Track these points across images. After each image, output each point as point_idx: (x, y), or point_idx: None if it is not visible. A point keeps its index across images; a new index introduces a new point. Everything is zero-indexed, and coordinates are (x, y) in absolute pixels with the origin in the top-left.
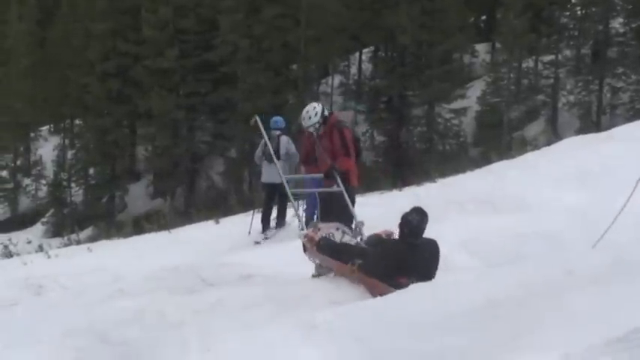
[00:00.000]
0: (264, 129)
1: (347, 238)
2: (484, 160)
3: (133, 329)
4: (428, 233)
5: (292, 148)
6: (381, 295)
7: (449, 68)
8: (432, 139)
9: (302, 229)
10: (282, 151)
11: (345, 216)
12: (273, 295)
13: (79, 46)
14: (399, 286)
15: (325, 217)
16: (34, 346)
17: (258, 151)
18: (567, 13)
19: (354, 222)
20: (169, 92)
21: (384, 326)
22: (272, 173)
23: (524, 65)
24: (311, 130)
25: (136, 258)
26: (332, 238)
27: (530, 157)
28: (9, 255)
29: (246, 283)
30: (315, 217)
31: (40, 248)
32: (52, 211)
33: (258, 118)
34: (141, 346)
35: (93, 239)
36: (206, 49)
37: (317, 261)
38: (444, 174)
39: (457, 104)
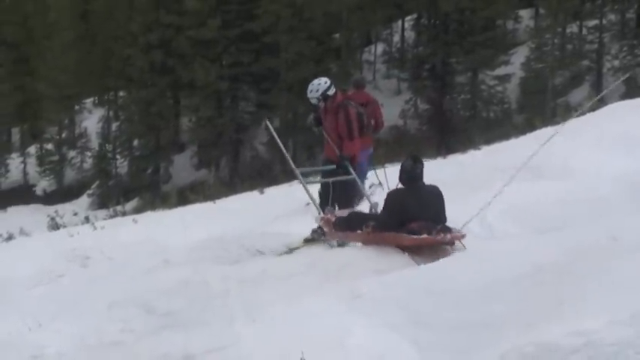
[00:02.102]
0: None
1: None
2: (528, 127)
3: (178, 300)
4: (474, 200)
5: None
6: (400, 246)
7: (492, 35)
8: (476, 107)
9: (319, 214)
10: None
11: (358, 200)
12: (317, 264)
13: (122, 18)
14: (412, 231)
15: (340, 203)
16: (81, 317)
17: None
18: None
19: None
20: (212, 63)
21: (429, 295)
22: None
23: (568, 30)
24: (314, 102)
25: (180, 229)
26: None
27: (575, 123)
28: (55, 227)
29: (290, 252)
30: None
31: (86, 220)
32: (97, 182)
33: (268, 122)
34: (186, 316)
35: (138, 210)
36: (248, 19)
37: (337, 240)
38: (488, 141)
39: (501, 71)
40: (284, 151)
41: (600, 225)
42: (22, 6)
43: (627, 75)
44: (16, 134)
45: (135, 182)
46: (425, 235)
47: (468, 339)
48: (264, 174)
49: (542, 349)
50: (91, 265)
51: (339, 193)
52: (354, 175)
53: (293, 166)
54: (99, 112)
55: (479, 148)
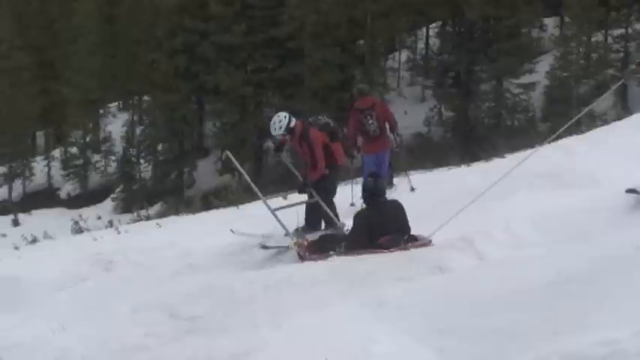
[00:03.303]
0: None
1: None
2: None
3: (203, 304)
4: (500, 208)
5: None
6: None
7: (517, 43)
8: (500, 115)
9: (286, 235)
10: None
11: (327, 220)
12: (342, 271)
13: (147, 22)
14: (381, 246)
15: (313, 223)
16: (105, 320)
17: None
18: None
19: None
20: (237, 68)
21: (454, 303)
22: None
23: (593, 39)
24: (279, 138)
25: (204, 233)
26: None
27: (599, 133)
28: (79, 231)
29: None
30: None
31: (110, 224)
32: (121, 187)
33: (229, 153)
34: (210, 321)
35: (162, 215)
36: (273, 25)
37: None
38: (512, 149)
39: (525, 79)
40: (251, 183)
41: (625, 235)
42: (47, 10)
43: None
44: (40, 138)
45: (158, 187)
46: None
47: (492, 348)
48: (288, 179)
49: (567, 359)
50: (114, 269)
51: (309, 216)
52: (317, 198)
53: (261, 196)
54: (123, 117)
55: (503, 157)
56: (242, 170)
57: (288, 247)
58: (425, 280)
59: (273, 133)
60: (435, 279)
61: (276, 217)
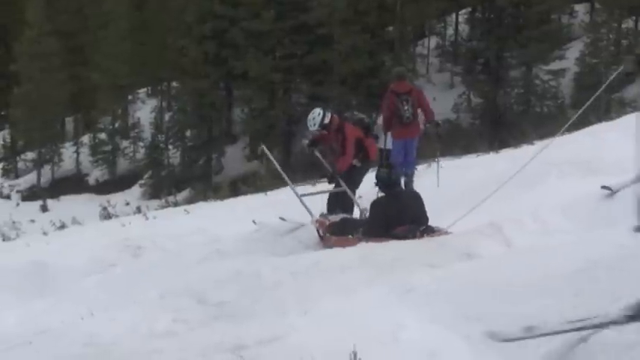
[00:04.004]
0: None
1: None
2: (583, 122)
3: (230, 290)
4: (529, 195)
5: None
6: None
7: (547, 29)
8: (530, 101)
9: (312, 217)
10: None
11: (349, 207)
12: (369, 257)
13: (177, 8)
14: (396, 236)
15: (332, 210)
16: (133, 306)
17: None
18: None
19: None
20: (265, 54)
21: (481, 289)
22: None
23: (623, 26)
24: (316, 133)
25: (232, 220)
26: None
27: (629, 119)
28: (108, 217)
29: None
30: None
31: (139, 210)
32: (149, 173)
33: (265, 147)
34: (238, 307)
35: (190, 201)
36: (302, 11)
37: (330, 244)
38: (542, 136)
39: (555, 65)
40: (283, 174)
41: None
42: None
43: None
44: (69, 123)
45: (187, 173)
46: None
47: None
48: (316, 167)
49: (596, 344)
50: (143, 254)
51: (333, 205)
52: (344, 187)
53: (290, 183)
54: (152, 103)
55: (532, 143)
56: (276, 163)
57: (303, 225)
58: (453, 267)
59: (310, 129)
60: (463, 265)
61: (302, 202)
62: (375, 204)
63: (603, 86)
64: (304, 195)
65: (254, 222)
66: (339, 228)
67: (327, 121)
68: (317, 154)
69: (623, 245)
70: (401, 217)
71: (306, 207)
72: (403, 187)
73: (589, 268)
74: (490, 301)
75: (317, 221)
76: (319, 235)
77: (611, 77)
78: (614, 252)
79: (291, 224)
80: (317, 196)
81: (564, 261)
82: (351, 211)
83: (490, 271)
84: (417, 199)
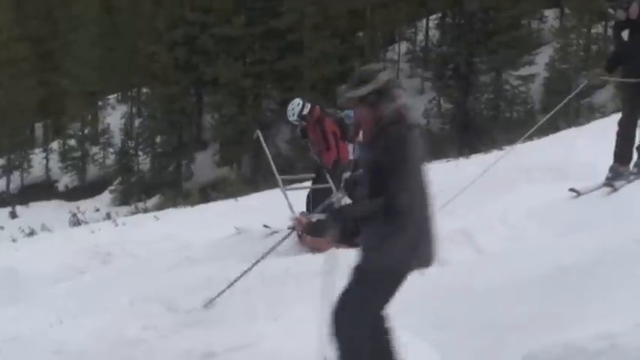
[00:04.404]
0: None
1: None
2: (552, 128)
3: (201, 297)
4: (499, 201)
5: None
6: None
7: (517, 34)
8: (499, 107)
9: (293, 213)
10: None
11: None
12: (340, 264)
13: (147, 14)
14: (357, 245)
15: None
16: (103, 313)
17: None
18: None
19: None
20: (236, 60)
21: (451, 295)
22: None
23: (593, 31)
24: (295, 124)
25: (203, 226)
26: None
27: (598, 125)
28: (77, 223)
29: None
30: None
31: (108, 216)
32: (119, 179)
33: (259, 132)
34: (208, 313)
35: (160, 207)
36: (273, 17)
37: (309, 246)
38: (511, 141)
39: (525, 71)
40: (272, 162)
41: (624, 227)
42: (46, 0)
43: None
44: (39, 129)
45: (156, 179)
46: None
47: (490, 340)
48: (287, 172)
49: (566, 352)
50: (112, 261)
51: (318, 200)
52: (331, 184)
53: (277, 174)
54: (122, 109)
55: (502, 149)
56: (268, 153)
57: (276, 231)
58: (421, 273)
59: (289, 119)
60: (433, 271)
61: (286, 197)
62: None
63: (568, 97)
64: (289, 189)
65: (236, 228)
66: (314, 229)
67: (305, 112)
68: (309, 145)
69: (593, 251)
70: None
71: (288, 202)
72: None
73: (559, 274)
74: (460, 306)
75: (296, 219)
76: (297, 234)
77: (576, 91)
78: (584, 258)
79: (269, 230)
80: (301, 193)
81: (534, 266)
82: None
83: (460, 277)
84: None
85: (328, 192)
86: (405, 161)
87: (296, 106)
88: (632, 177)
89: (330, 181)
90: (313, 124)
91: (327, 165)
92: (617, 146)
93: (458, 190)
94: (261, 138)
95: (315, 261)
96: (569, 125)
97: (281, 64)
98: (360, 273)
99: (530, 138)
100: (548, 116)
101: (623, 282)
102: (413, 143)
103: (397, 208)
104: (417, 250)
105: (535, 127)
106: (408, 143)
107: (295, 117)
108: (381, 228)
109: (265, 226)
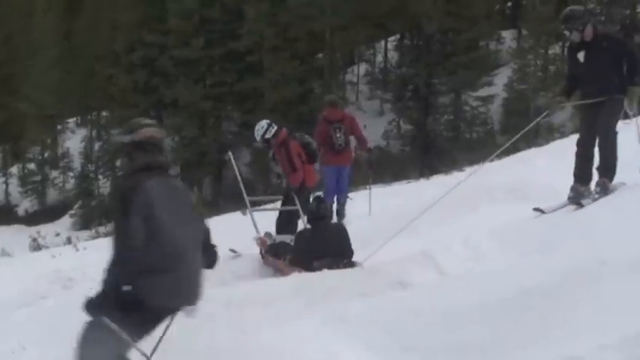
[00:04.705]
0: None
1: None
2: (512, 148)
3: (162, 324)
4: (461, 222)
5: None
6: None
7: (475, 56)
8: (459, 127)
9: (257, 233)
10: None
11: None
12: (304, 287)
13: (105, 37)
14: (314, 269)
15: (282, 230)
16: (66, 339)
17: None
18: None
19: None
20: (196, 82)
21: (416, 318)
22: None
23: (550, 52)
24: (260, 144)
25: None
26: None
27: (558, 145)
28: (38, 248)
29: (277, 275)
30: (334, 204)
31: (69, 241)
32: (79, 203)
33: (231, 154)
34: (172, 337)
35: None
36: (232, 39)
37: (271, 266)
38: (471, 162)
39: (484, 92)
40: (241, 184)
41: (587, 247)
42: (5, 24)
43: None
44: None
45: None
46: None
47: None
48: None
49: None
50: (74, 286)
51: (285, 220)
52: (298, 206)
53: (245, 195)
54: (81, 132)
55: (462, 170)
56: (238, 174)
57: (238, 255)
58: (387, 296)
59: (257, 138)
60: (397, 294)
61: (252, 217)
62: (299, 235)
63: (533, 123)
64: (255, 210)
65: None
66: (274, 250)
67: (268, 135)
68: (275, 169)
69: (556, 272)
70: (324, 250)
71: (254, 222)
72: (335, 214)
73: (522, 295)
74: (424, 329)
75: (259, 239)
76: (260, 253)
77: (538, 119)
78: (547, 279)
79: (233, 255)
80: (268, 215)
81: (497, 288)
82: (296, 231)
83: (424, 300)
84: (341, 233)
85: (295, 213)
86: (129, 213)
87: (260, 128)
88: (596, 196)
89: (297, 202)
90: (278, 146)
91: (295, 186)
92: (576, 166)
93: (419, 211)
94: (232, 160)
95: (278, 285)
96: (528, 146)
97: (241, 85)
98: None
99: (490, 159)
100: (513, 139)
101: (586, 303)
102: (161, 194)
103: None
104: (171, 290)
105: (500, 150)
106: (143, 195)
107: (259, 139)
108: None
109: (232, 250)
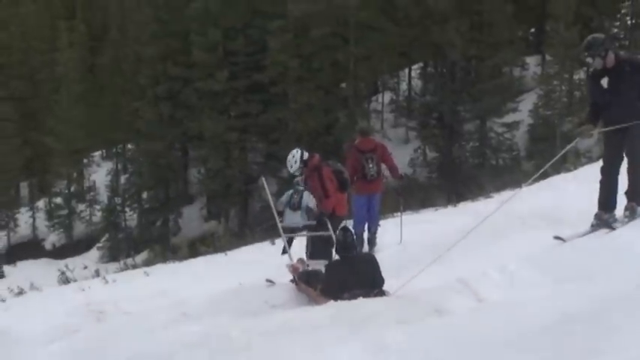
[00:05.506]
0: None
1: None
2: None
3: (200, 353)
4: (494, 249)
5: (312, 201)
6: None
7: (499, 82)
8: (485, 154)
9: (290, 260)
10: (303, 204)
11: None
12: (341, 314)
13: (130, 71)
14: (344, 300)
15: (315, 255)
16: None
17: (284, 199)
18: (617, 24)
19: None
20: (220, 114)
21: (455, 345)
22: (294, 219)
23: (575, 77)
24: (297, 174)
25: (195, 281)
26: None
27: (587, 170)
28: (66, 281)
29: (312, 304)
30: (365, 232)
31: (97, 273)
32: (106, 236)
33: (264, 180)
34: None
35: (149, 263)
36: (256, 70)
37: (304, 293)
38: (498, 189)
39: (509, 118)
40: (274, 209)
41: (626, 272)
42: (29, 60)
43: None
44: (24, 188)
45: (144, 235)
46: None
47: None
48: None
49: None
50: (106, 319)
51: (318, 246)
52: (330, 231)
53: (277, 221)
54: (107, 165)
55: (490, 196)
56: (270, 199)
57: (272, 284)
58: (425, 323)
59: (291, 169)
60: (436, 321)
61: (285, 243)
62: (329, 267)
63: (565, 150)
64: (289, 235)
65: (240, 283)
66: (306, 278)
67: (306, 157)
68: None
69: (597, 298)
70: (354, 282)
71: (287, 249)
72: (367, 243)
73: (563, 321)
74: (465, 357)
75: (292, 266)
76: (292, 281)
77: (570, 145)
78: (588, 305)
79: (266, 284)
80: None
81: (538, 315)
82: (330, 256)
83: (463, 327)
84: (371, 263)
85: (328, 239)
86: None
87: (296, 152)
88: (626, 220)
89: (329, 227)
90: (311, 171)
91: (327, 211)
92: (600, 194)
93: (451, 238)
94: (265, 184)
95: (315, 313)
96: (556, 172)
97: (265, 117)
98: None
99: (519, 185)
100: (547, 166)
101: (628, 328)
102: None
103: None
104: None
105: (535, 176)
106: None
107: (298, 163)
108: None
109: (268, 280)
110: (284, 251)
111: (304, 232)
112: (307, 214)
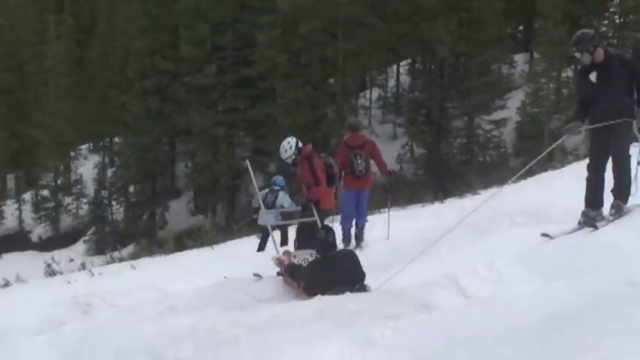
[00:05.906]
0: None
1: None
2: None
3: (187, 346)
4: (482, 245)
5: (287, 201)
6: None
7: (487, 79)
8: (472, 151)
9: (277, 253)
10: (278, 204)
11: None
12: (329, 309)
13: (118, 64)
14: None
15: (301, 244)
16: None
17: (259, 198)
18: (605, 22)
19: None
20: (208, 109)
21: (443, 341)
22: (268, 219)
23: (563, 75)
24: (288, 162)
25: (181, 275)
26: (305, 263)
27: (574, 167)
28: (52, 274)
29: (299, 298)
30: (353, 228)
31: (83, 266)
32: (93, 229)
33: (249, 162)
34: None
35: (135, 256)
36: (244, 65)
37: (290, 286)
38: (485, 185)
39: (497, 115)
40: (258, 194)
41: (614, 269)
42: (17, 52)
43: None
44: (11, 181)
45: (131, 228)
46: None
47: None
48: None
49: None
50: (93, 312)
51: (303, 236)
52: (316, 218)
53: (263, 208)
54: (94, 159)
55: (477, 192)
56: (255, 183)
57: (259, 278)
58: (412, 319)
59: (284, 155)
60: (423, 317)
61: (271, 234)
62: (310, 265)
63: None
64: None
65: (225, 277)
66: (291, 271)
67: (300, 144)
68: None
69: (585, 295)
70: (336, 280)
71: (273, 240)
72: (354, 238)
73: (552, 319)
74: (451, 353)
75: (278, 259)
76: (279, 273)
77: (557, 142)
78: (576, 302)
79: (254, 278)
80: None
81: (525, 311)
82: (311, 247)
83: (451, 323)
84: (351, 260)
85: (314, 225)
86: None
87: (291, 139)
88: (611, 217)
89: (315, 214)
90: (302, 159)
91: (314, 198)
92: (587, 192)
93: (438, 234)
94: (250, 168)
95: (302, 308)
96: (543, 169)
97: (253, 112)
98: None
99: (506, 182)
100: (532, 163)
101: (616, 326)
102: None
103: None
104: None
105: (521, 172)
106: None
107: (293, 149)
108: None
109: (255, 274)
110: (260, 248)
111: (290, 221)
112: (279, 210)
